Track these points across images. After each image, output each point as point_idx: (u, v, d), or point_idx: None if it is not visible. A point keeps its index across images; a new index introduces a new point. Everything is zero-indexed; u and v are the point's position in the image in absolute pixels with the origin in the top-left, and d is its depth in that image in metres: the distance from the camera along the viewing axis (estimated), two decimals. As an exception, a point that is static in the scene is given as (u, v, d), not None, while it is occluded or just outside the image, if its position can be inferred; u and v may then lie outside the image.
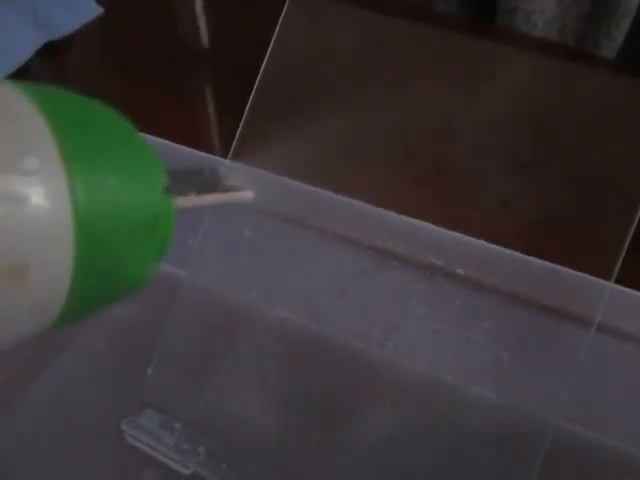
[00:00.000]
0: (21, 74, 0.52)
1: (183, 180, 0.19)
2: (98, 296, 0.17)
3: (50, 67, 0.55)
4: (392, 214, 0.33)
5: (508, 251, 0.32)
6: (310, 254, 0.34)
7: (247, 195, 0.21)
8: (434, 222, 0.32)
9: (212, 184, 0.20)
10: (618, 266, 0.27)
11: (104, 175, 0.15)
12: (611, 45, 0.59)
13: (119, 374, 0.36)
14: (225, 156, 0.34)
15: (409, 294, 0.32)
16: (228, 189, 0.21)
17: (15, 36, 0.54)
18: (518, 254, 0.31)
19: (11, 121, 0.14)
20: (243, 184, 0.21)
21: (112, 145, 0.16)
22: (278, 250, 0.35)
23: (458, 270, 0.32)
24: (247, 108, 0.33)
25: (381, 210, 0.33)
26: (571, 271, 0.31)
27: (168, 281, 0.35)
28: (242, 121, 0.33)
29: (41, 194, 0.14)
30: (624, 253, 0.27)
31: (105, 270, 0.16)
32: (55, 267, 0.14)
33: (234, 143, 0.33)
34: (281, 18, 0.33)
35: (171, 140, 0.36)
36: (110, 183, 0.15)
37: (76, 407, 0.35)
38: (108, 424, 0.34)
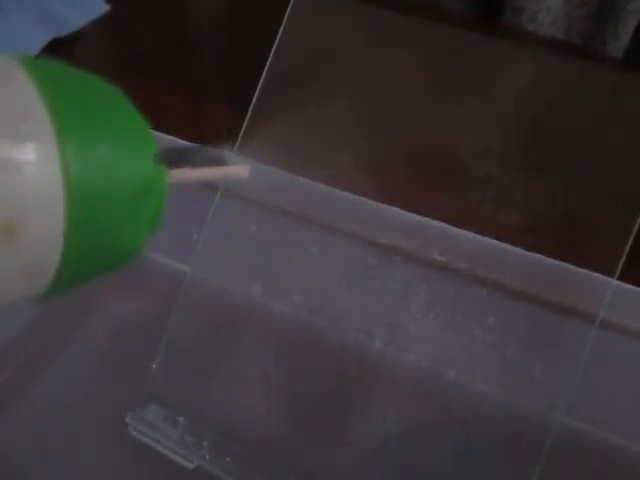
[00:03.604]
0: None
1: (179, 156, 0.19)
2: (92, 262, 0.17)
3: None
4: (396, 210, 0.33)
5: (512, 248, 0.32)
6: (314, 250, 0.35)
7: (243, 170, 0.20)
8: (438, 219, 0.33)
9: (208, 160, 0.20)
10: (622, 263, 0.27)
11: (95, 141, 0.16)
12: (617, 44, 0.59)
13: (124, 369, 0.37)
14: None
15: (413, 290, 0.33)
16: (224, 163, 0.20)
17: (21, 32, 0.55)
18: (522, 251, 0.31)
19: (3, 88, 0.15)
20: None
21: (103, 112, 0.17)
22: (282, 246, 0.35)
23: (462, 266, 0.32)
24: (252, 105, 0.33)
25: (385, 206, 0.33)
26: (575, 268, 0.31)
27: (173, 276, 0.35)
28: (247, 117, 0.33)
29: (32, 158, 0.14)
30: (627, 250, 0.27)
31: (98, 235, 0.16)
32: (47, 229, 0.15)
33: (239, 139, 0.33)
34: (285, 17, 0.33)
35: (176, 136, 0.37)
36: (101, 148, 0.16)
37: (82, 401, 0.36)
38: (113, 418, 0.34)
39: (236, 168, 0.20)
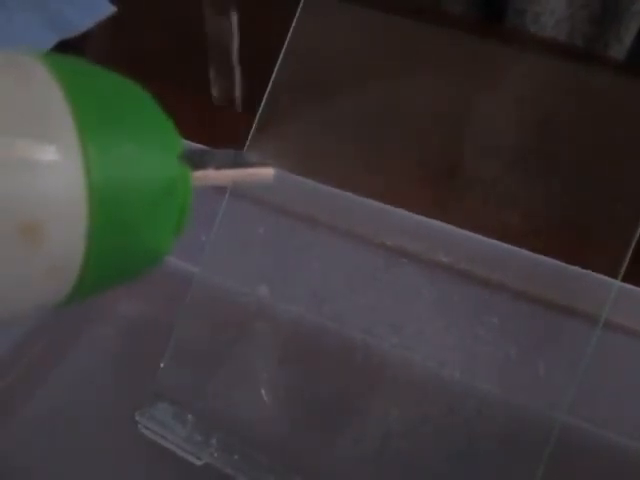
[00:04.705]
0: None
1: (202, 158, 0.18)
2: (115, 265, 0.16)
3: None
4: (402, 212, 0.34)
5: (516, 249, 0.32)
6: (321, 251, 0.35)
7: (268, 172, 0.20)
8: (444, 220, 0.33)
9: (232, 162, 0.19)
10: (625, 264, 0.28)
11: (118, 139, 0.15)
12: (620, 46, 0.59)
13: (133, 367, 0.37)
14: (238, 154, 0.34)
15: (418, 291, 0.33)
16: (248, 165, 0.20)
17: (27, 35, 0.55)
18: (526, 252, 0.32)
19: (26, 87, 0.14)
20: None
21: (126, 111, 0.16)
22: (290, 247, 0.36)
23: (467, 267, 0.32)
24: (261, 107, 0.34)
25: (391, 208, 0.34)
26: (578, 269, 0.31)
27: (182, 277, 0.35)
28: (255, 120, 0.34)
29: (53, 158, 0.14)
30: (631, 251, 0.28)
31: (121, 237, 0.16)
32: (69, 231, 0.14)
33: (247, 141, 0.34)
34: (294, 21, 0.33)
35: (184, 138, 0.37)
36: (124, 147, 0.15)
37: (91, 399, 0.36)
38: (123, 415, 0.34)
39: (261, 170, 0.20)
